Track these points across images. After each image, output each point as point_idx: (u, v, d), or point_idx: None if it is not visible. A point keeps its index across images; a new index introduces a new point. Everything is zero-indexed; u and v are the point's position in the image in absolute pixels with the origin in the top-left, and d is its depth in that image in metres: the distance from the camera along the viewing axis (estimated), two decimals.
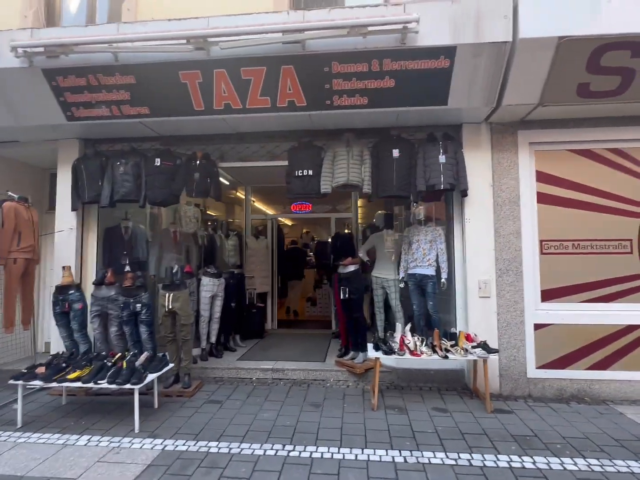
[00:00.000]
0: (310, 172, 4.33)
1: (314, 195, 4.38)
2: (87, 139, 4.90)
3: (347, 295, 4.56)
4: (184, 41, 3.66)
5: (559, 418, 3.57)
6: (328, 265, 10.05)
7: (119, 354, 3.77)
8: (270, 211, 8.43)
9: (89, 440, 3.17)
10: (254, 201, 7.84)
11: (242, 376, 4.63)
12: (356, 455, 2.91)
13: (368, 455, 2.91)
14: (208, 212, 7.13)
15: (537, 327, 4.10)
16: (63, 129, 4.60)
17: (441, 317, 4.50)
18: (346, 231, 7.28)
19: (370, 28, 3.44)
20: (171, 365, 3.86)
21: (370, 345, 4.04)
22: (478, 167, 4.27)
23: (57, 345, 4.58)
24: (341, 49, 3.59)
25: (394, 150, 4.25)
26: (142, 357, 3.74)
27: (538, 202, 4.24)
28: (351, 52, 3.60)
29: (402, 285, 4.73)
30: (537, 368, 4.08)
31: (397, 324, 4.14)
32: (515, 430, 3.31)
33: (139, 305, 4.07)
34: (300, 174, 4.35)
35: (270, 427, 3.37)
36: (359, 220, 7.28)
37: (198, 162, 4.51)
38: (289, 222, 12.68)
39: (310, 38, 3.54)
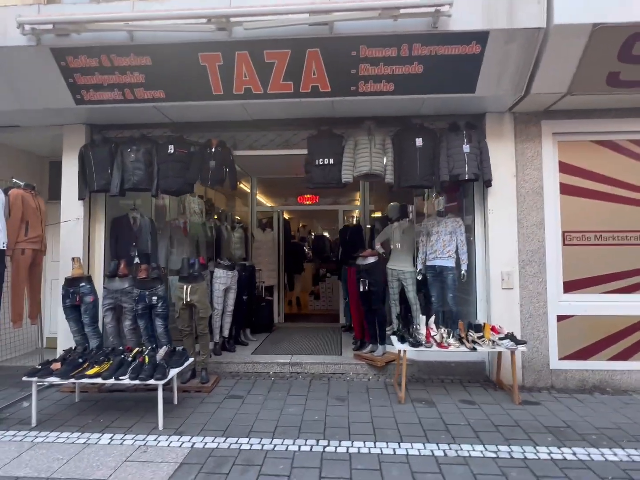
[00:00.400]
0: (332, 161, 4.21)
1: (335, 184, 4.26)
2: (93, 124, 4.67)
3: (367, 288, 4.47)
4: (204, 21, 3.50)
5: (586, 409, 3.56)
6: (328, 259, 10.04)
7: (137, 349, 3.61)
8: (269, 203, 8.21)
9: (111, 438, 3.03)
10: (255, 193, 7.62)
11: (258, 370, 4.51)
12: (394, 450, 2.84)
13: (406, 449, 2.85)
14: (211, 203, 6.94)
15: (560, 318, 4.09)
16: (69, 114, 4.37)
17: (460, 309, 4.47)
18: (354, 223, 7.19)
19: (402, 10, 3.32)
20: (191, 359, 3.72)
21: (394, 338, 3.97)
22: (501, 157, 4.22)
23: (65, 340, 4.39)
24: (370, 32, 3.46)
25: (417, 140, 4.15)
26: (162, 352, 3.59)
27: (561, 193, 4.21)
28: (380, 36, 3.48)
29: (419, 277, 4.68)
30: (559, 359, 4.07)
31: (421, 316, 4.07)
32: (547, 421, 3.29)
33: (155, 298, 3.91)
34: (321, 163, 4.22)
35: (299, 422, 3.28)
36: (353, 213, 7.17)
37: (213, 149, 4.34)
38: (286, 216, 12.53)
39: (338, 20, 3.40)
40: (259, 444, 2.94)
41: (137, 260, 4.66)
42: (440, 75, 3.70)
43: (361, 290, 4.50)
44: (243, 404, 3.67)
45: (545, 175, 4.18)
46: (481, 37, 3.45)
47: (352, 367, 4.47)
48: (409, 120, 4.31)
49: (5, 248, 3.53)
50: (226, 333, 4.96)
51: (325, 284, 8.82)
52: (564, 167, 4.22)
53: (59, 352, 4.42)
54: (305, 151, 4.53)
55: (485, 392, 3.92)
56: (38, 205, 3.96)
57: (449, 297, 4.41)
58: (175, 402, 3.65)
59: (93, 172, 4.35)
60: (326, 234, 13.07)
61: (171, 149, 4.28)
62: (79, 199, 4.46)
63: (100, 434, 3.09)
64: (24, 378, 3.26)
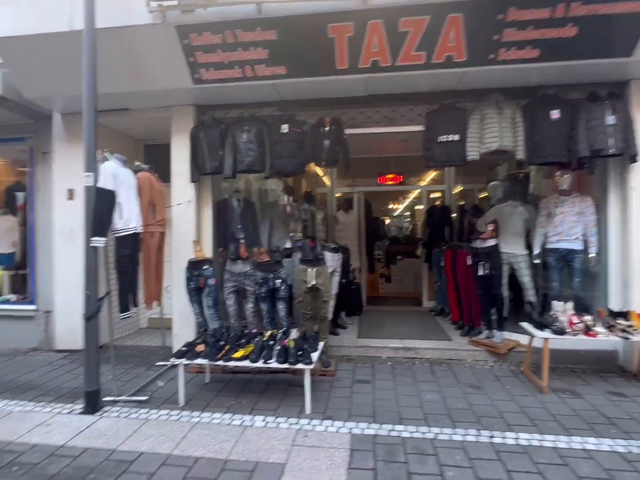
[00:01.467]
0: (456, 138, 3.96)
1: (458, 162, 4.03)
2: (200, 105, 4.60)
3: (486, 271, 4.25)
4: None
5: None
6: (398, 240, 9.84)
7: (270, 332, 3.59)
8: (327, 183, 7.91)
9: (264, 421, 3.03)
10: (321, 175, 7.34)
11: (371, 354, 4.44)
12: (568, 443, 2.68)
13: (580, 443, 2.68)
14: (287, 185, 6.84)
15: None
16: (178, 95, 4.31)
17: (585, 294, 4.19)
18: (439, 203, 6.91)
19: None
20: (322, 343, 3.67)
21: (527, 325, 3.77)
22: None
23: (180, 322, 4.48)
24: None
25: (552, 112, 3.82)
26: (294, 335, 3.56)
27: None
28: None
29: (537, 261, 4.41)
30: None
31: (553, 302, 3.83)
32: None
33: (278, 281, 3.87)
34: (443, 140, 3.98)
35: (446, 410, 3.17)
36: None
37: (327, 128, 4.17)
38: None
39: None
40: (417, 431, 2.86)
41: (242, 242, 4.64)
42: (595, 38, 3.34)
43: (480, 274, 4.28)
44: (375, 389, 3.60)
45: None
46: None
47: (469, 353, 4.31)
48: (542, 91, 3.96)
49: (141, 231, 3.56)
50: (330, 317, 4.87)
51: (396, 266, 8.65)
52: None
53: (175, 333, 4.52)
54: (415, 128, 4.33)
55: (628, 383, 3.67)
56: (161, 189, 3.96)
57: (575, 282, 4.14)
58: None
59: (205, 154, 4.30)
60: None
61: (285, 128, 4.15)
62: (192, 181, 4.44)
63: (252, 416, 3.10)
64: (172, 360, 3.31)
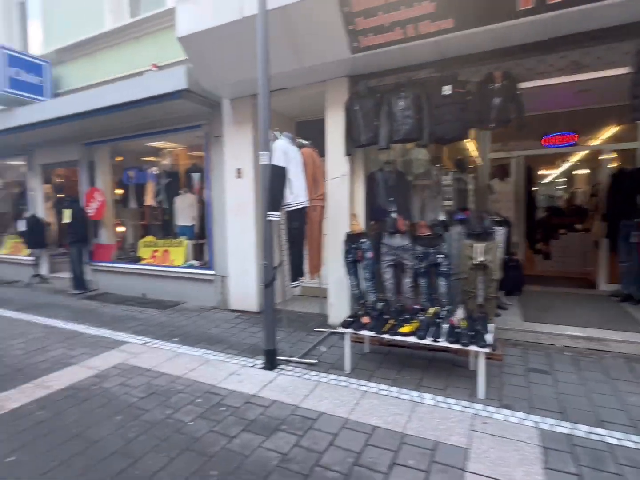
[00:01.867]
0: None
1: None
2: (352, 76, 4.52)
3: None
4: None
5: None
6: (561, 212, 8.52)
7: (433, 309, 3.45)
8: (471, 148, 7.02)
9: (434, 400, 2.94)
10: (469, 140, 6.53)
11: (542, 341, 3.94)
12: None
13: None
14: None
15: None
16: (333, 67, 4.29)
17: None
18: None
19: None
20: (493, 325, 3.38)
21: None
22: None
23: (335, 293, 4.66)
24: None
25: None
26: (459, 314, 3.35)
27: None
28: None
29: None
30: None
31: None
32: None
33: (440, 256, 3.66)
34: None
35: None
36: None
37: (498, 84, 3.67)
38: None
39: None
40: (627, 439, 2.41)
41: (394, 215, 4.52)
42: None
43: None
44: (557, 381, 3.18)
45: None
46: None
47: None
48: None
49: (308, 205, 3.73)
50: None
51: (559, 241, 7.49)
52: None
53: (330, 302, 4.74)
54: (616, 71, 3.48)
55: None
56: (320, 164, 4.08)
57: None
58: (472, 367, 3.41)
59: (360, 126, 4.24)
60: None
61: (448, 89, 3.79)
62: (346, 154, 4.45)
63: (419, 393, 3.05)
64: (340, 329, 3.45)
